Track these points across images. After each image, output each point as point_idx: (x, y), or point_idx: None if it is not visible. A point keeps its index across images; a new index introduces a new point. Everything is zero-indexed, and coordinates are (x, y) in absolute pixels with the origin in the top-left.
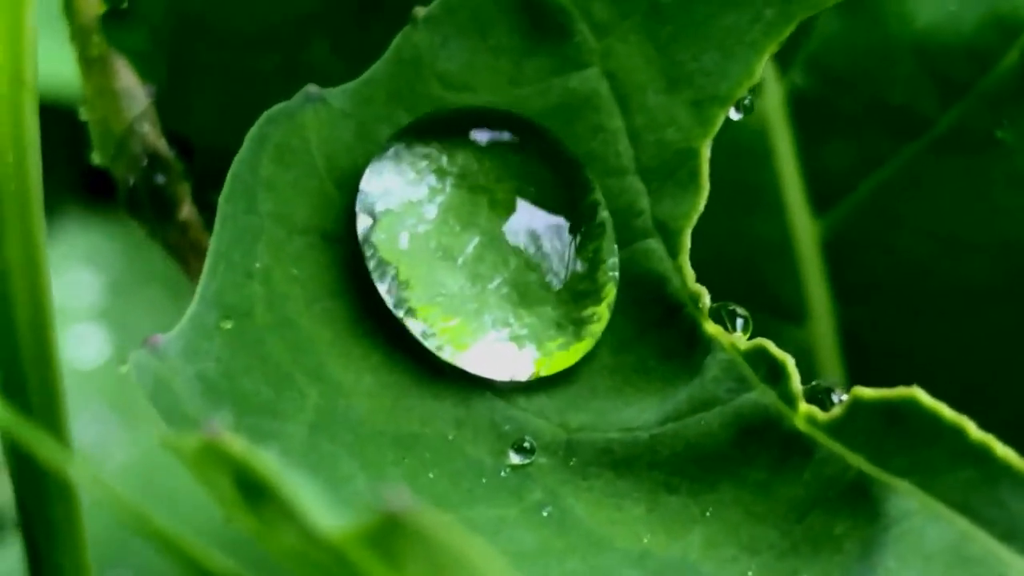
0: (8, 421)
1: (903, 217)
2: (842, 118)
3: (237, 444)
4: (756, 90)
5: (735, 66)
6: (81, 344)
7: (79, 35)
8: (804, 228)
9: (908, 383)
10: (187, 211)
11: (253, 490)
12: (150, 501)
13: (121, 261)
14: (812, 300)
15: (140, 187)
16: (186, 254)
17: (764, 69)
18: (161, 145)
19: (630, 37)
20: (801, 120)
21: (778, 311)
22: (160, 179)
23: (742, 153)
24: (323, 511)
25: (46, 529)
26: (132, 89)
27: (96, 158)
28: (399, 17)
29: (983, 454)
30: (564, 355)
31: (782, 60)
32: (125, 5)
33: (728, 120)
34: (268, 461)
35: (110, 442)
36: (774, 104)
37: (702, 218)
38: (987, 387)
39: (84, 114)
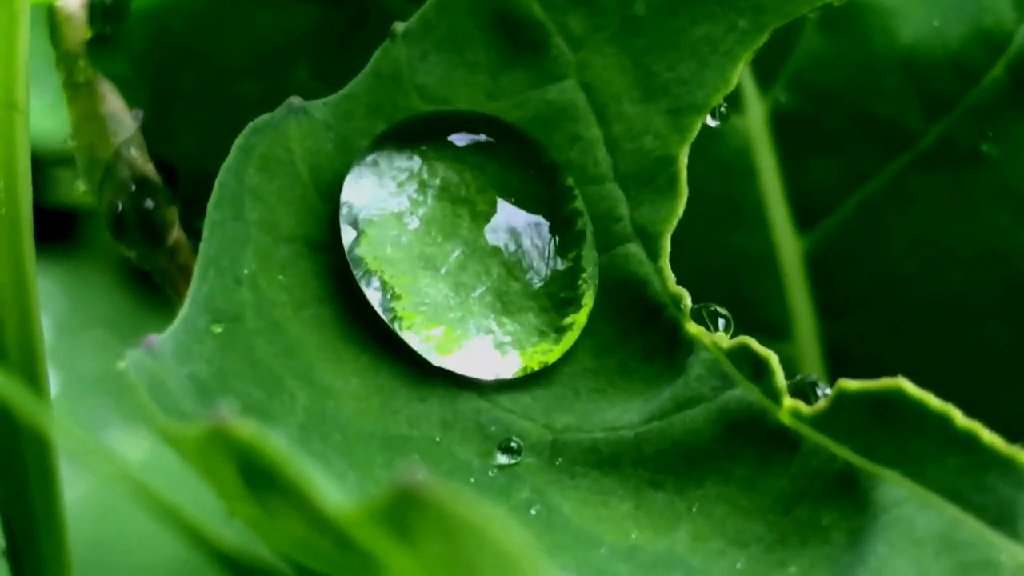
0: (10, 395)
1: (888, 232)
2: (826, 134)
3: (245, 427)
4: (732, 99)
5: (710, 74)
6: None
7: (65, 60)
8: (788, 244)
9: None
10: (176, 235)
11: (258, 477)
12: (102, 538)
13: (66, 303)
14: (796, 316)
15: (128, 212)
16: (175, 278)
17: (747, 87)
18: (149, 170)
19: (605, 49)
20: (784, 137)
21: (762, 327)
22: (149, 204)
23: (726, 171)
24: (333, 492)
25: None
26: (119, 114)
27: (81, 185)
28: (380, 41)
29: (970, 441)
30: (546, 358)
31: (764, 77)
32: (108, 31)
33: (712, 138)
34: (277, 443)
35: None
36: (757, 121)
37: (686, 234)
38: (973, 400)
39: (70, 140)
